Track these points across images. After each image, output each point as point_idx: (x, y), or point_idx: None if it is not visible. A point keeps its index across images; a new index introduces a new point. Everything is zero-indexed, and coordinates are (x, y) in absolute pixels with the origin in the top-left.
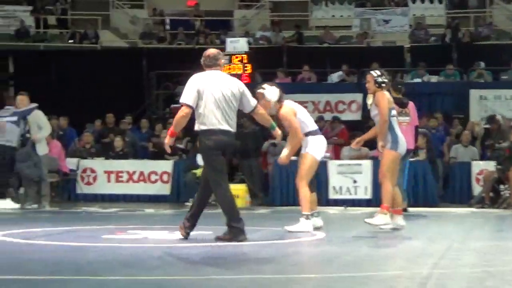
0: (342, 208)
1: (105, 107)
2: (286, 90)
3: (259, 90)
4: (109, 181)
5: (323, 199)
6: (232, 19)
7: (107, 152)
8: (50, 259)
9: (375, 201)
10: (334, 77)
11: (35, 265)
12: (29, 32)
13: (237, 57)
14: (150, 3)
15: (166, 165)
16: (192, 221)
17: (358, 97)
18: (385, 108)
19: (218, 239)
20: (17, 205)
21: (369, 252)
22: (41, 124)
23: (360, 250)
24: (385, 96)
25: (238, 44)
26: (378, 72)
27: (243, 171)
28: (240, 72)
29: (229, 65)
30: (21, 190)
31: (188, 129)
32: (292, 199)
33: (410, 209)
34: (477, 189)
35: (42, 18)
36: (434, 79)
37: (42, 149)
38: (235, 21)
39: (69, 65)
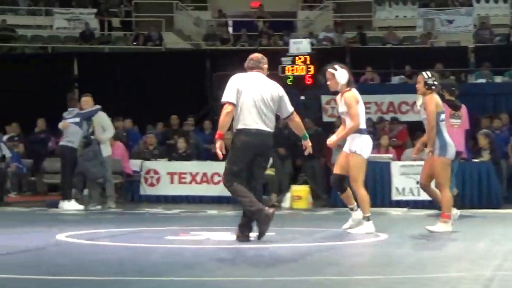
0: (405, 209)
1: (168, 109)
2: None
3: (329, 69)
4: (172, 182)
5: (386, 200)
6: (296, 20)
7: (170, 153)
8: (113, 260)
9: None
10: (395, 80)
11: (99, 266)
12: (93, 35)
13: (300, 58)
14: (213, 4)
15: None
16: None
17: (421, 98)
18: (433, 112)
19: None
20: (80, 206)
21: (432, 253)
22: (105, 126)
23: (423, 251)
24: (434, 100)
25: (301, 45)
26: (429, 74)
27: (306, 172)
28: (303, 73)
29: (292, 66)
30: (85, 192)
31: None
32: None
33: (474, 211)
34: None
35: (106, 20)
36: (498, 79)
37: (105, 151)
38: (299, 22)
39: (133, 67)
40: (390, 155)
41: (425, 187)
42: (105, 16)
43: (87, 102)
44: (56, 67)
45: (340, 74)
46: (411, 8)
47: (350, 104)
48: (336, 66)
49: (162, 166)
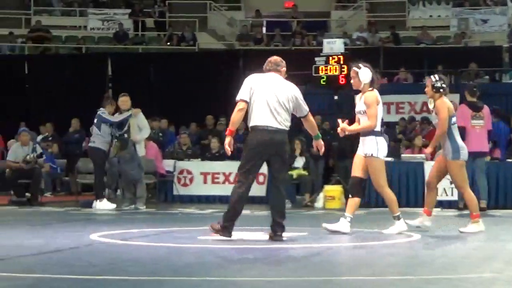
0: (438, 209)
1: (202, 109)
2: (383, 91)
3: (354, 68)
4: (205, 182)
5: (419, 200)
6: (329, 20)
7: (204, 153)
8: (146, 259)
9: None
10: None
11: (132, 266)
12: (127, 35)
13: (333, 58)
14: (247, 5)
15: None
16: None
17: (455, 97)
18: (445, 118)
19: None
20: (112, 205)
21: (465, 254)
22: (141, 126)
23: (456, 251)
24: (445, 105)
25: (334, 45)
26: (437, 77)
27: (339, 172)
28: (336, 73)
29: (326, 66)
30: (118, 191)
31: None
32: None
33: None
34: None
35: (140, 21)
36: None
37: (140, 151)
38: (332, 22)
39: (167, 68)
40: (423, 155)
41: (430, 184)
42: (139, 16)
43: (125, 102)
44: (90, 68)
45: (363, 73)
46: (445, 7)
47: (370, 104)
48: (360, 65)
49: (195, 166)
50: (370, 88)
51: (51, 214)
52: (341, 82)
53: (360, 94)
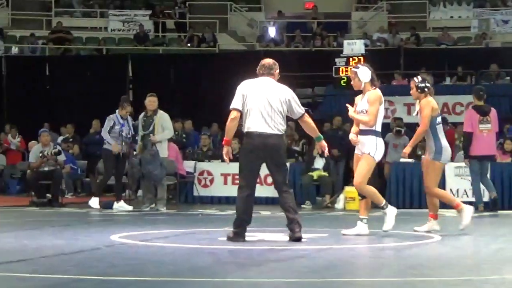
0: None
1: (223, 110)
2: (403, 92)
3: (353, 69)
4: (225, 183)
5: (440, 202)
6: (349, 21)
7: None
8: (167, 260)
9: (492, 203)
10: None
11: (152, 267)
12: (148, 36)
13: (354, 59)
14: (267, 6)
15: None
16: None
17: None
18: (426, 117)
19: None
20: (129, 207)
21: (487, 255)
22: (164, 126)
23: (479, 253)
24: (429, 104)
25: (355, 46)
26: (420, 78)
27: None
28: None
29: (346, 67)
30: (139, 192)
31: (304, 132)
32: (408, 202)
33: None
34: None
35: (160, 22)
36: None
37: (162, 152)
38: (352, 23)
39: (187, 69)
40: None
41: (427, 189)
42: (159, 17)
43: (152, 102)
44: (110, 69)
45: (362, 72)
46: (466, 8)
47: (373, 102)
48: (359, 65)
49: (216, 167)
50: (373, 87)
51: (71, 215)
52: None
53: (361, 94)
